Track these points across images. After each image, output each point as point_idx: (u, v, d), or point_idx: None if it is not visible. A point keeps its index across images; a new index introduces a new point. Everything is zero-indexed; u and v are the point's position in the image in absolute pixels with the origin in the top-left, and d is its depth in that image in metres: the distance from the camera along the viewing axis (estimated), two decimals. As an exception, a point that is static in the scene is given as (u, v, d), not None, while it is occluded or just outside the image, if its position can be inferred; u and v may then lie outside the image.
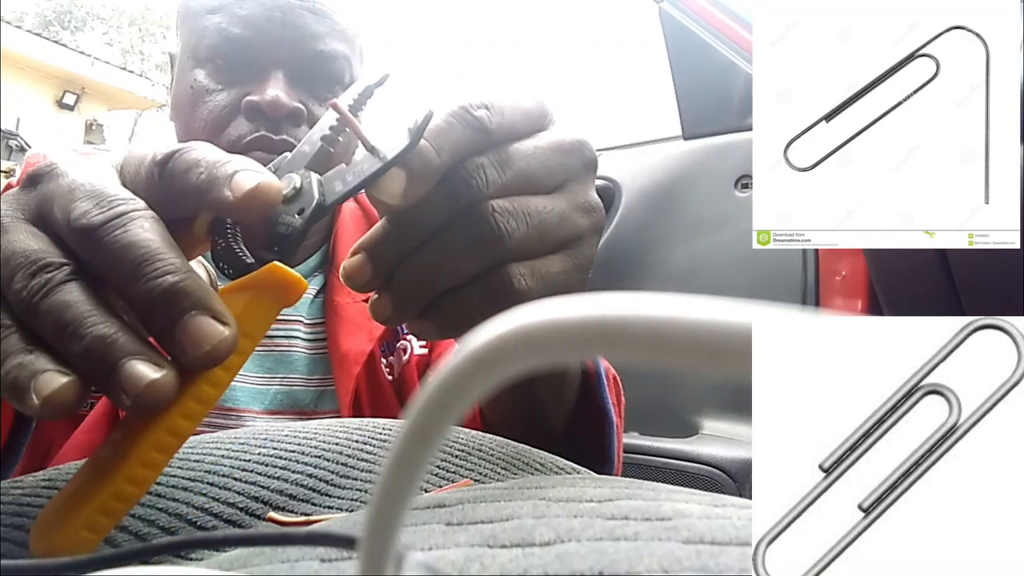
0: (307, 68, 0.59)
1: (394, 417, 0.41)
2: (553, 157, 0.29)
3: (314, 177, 0.27)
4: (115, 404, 0.22)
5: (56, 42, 8.13)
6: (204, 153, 0.25)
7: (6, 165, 4.82)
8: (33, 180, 0.26)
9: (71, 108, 7.76)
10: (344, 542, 0.16)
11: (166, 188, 0.25)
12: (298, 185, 0.26)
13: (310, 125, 0.58)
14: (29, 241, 0.24)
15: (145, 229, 0.23)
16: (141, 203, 0.24)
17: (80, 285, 0.23)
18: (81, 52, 8.18)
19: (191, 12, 0.61)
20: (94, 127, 8.00)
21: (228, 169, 0.25)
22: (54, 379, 0.21)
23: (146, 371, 0.21)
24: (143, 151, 0.26)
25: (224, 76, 0.59)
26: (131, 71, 8.78)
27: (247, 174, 0.24)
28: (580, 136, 0.30)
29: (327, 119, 0.29)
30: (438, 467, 0.31)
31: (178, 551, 0.18)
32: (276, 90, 0.57)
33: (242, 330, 0.22)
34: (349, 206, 0.72)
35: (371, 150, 0.26)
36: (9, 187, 0.65)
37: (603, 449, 0.43)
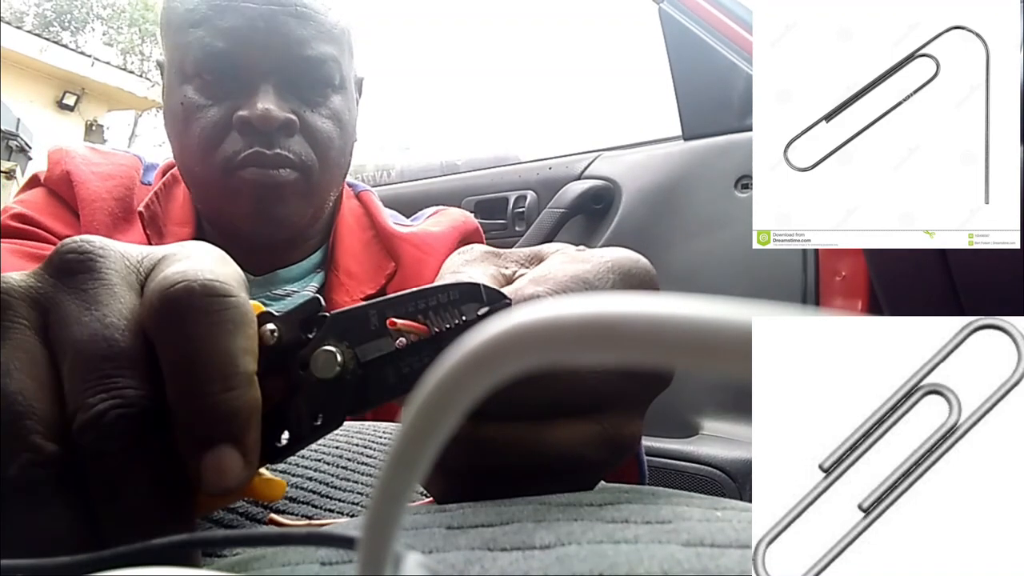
0: (296, 75, 0.59)
1: (396, 417, 0.41)
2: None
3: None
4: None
5: (56, 42, 8.13)
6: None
7: (6, 165, 4.81)
8: (64, 268, 0.20)
9: (71, 108, 7.76)
10: (343, 542, 0.16)
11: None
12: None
13: (303, 133, 0.59)
14: (25, 386, 0.18)
15: (141, 466, 0.19)
16: (146, 408, 0.19)
17: (62, 500, 0.18)
18: (81, 52, 8.19)
19: (172, 27, 0.60)
20: (94, 127, 8.00)
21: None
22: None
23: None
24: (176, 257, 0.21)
25: (213, 91, 0.58)
26: (131, 71, 8.77)
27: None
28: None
29: None
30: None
31: (178, 551, 0.18)
32: (266, 103, 0.56)
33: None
34: (351, 204, 0.72)
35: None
36: (35, 179, 0.65)
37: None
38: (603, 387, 0.22)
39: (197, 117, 0.58)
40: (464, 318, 0.21)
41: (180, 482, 0.19)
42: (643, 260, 0.25)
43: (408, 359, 0.21)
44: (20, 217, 0.61)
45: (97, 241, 0.21)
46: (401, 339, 0.21)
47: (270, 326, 0.21)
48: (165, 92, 0.63)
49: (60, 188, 0.63)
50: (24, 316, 0.19)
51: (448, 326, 0.21)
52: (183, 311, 0.19)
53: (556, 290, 0.22)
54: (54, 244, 0.60)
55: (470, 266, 0.25)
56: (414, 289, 0.21)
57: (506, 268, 0.26)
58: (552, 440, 0.22)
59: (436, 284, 0.22)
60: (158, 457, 0.19)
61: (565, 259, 0.24)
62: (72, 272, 0.20)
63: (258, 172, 0.57)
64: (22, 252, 0.58)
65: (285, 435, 0.21)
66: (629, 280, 0.23)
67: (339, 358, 0.21)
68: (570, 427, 0.22)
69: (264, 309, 0.21)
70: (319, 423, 0.21)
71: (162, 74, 0.64)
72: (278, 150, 0.57)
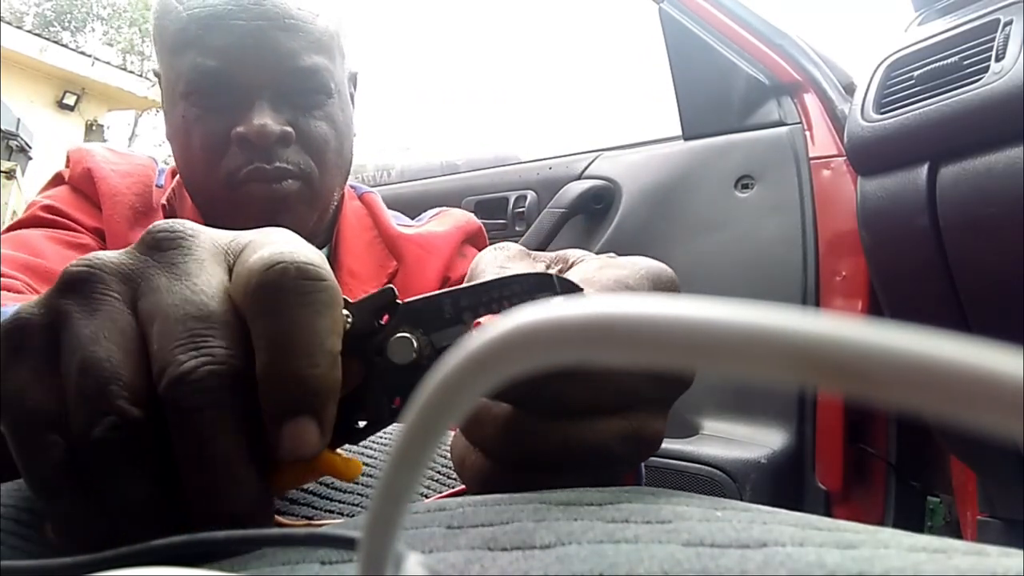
0: (288, 88, 0.60)
1: None
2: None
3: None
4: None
5: (56, 42, 8.13)
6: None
7: (6, 165, 4.81)
8: (153, 247, 0.21)
9: (71, 108, 7.76)
10: (344, 543, 0.16)
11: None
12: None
13: (300, 143, 0.60)
14: (111, 365, 0.19)
15: (226, 436, 0.19)
16: (238, 374, 0.20)
17: (144, 466, 0.19)
18: (81, 52, 8.18)
19: (166, 46, 0.62)
20: (94, 127, 8.00)
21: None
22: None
23: None
24: (264, 243, 0.22)
25: (209, 106, 0.59)
26: (131, 71, 8.77)
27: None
28: None
29: None
30: (439, 470, 0.31)
31: (178, 551, 0.18)
32: (262, 118, 0.58)
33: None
34: (353, 205, 0.72)
35: None
36: (59, 177, 0.67)
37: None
38: (633, 387, 0.23)
39: (197, 132, 0.60)
40: None
41: (262, 451, 0.20)
42: (669, 270, 0.26)
43: None
44: (49, 209, 0.63)
45: (188, 224, 0.22)
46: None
47: (344, 312, 0.22)
48: (165, 104, 0.65)
49: (82, 184, 0.65)
50: (115, 289, 0.20)
51: None
52: (278, 290, 0.20)
53: (603, 292, 0.23)
54: (85, 233, 0.62)
55: (512, 262, 0.26)
56: (490, 279, 0.22)
57: (538, 267, 0.27)
58: (586, 433, 0.23)
59: (511, 274, 0.22)
60: (244, 421, 0.19)
61: (602, 264, 0.25)
62: (163, 248, 0.21)
63: (261, 187, 0.59)
64: (59, 239, 0.61)
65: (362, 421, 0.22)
66: (660, 286, 0.25)
67: (415, 344, 0.22)
68: (603, 423, 0.23)
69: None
70: (396, 406, 0.22)
71: (159, 82, 0.66)
72: (278, 163, 0.59)
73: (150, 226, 0.22)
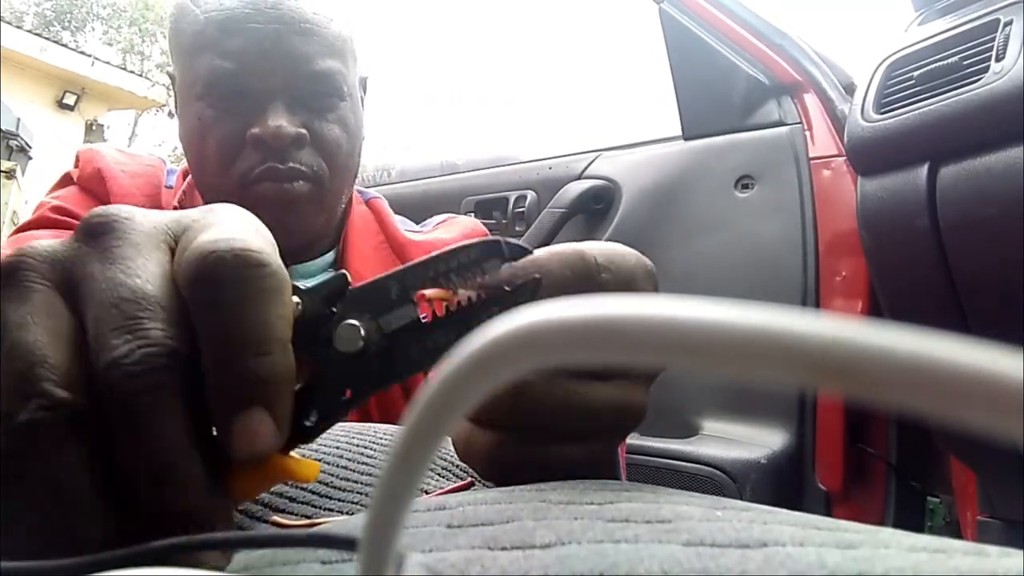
0: (303, 91, 0.61)
1: (401, 417, 0.41)
2: None
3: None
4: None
5: (56, 42, 8.12)
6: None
7: (6, 165, 4.81)
8: (87, 233, 0.21)
9: (71, 108, 7.75)
10: (344, 543, 0.16)
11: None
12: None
13: (313, 145, 0.61)
14: (40, 348, 0.18)
15: (167, 425, 0.18)
16: (176, 360, 0.19)
17: (75, 452, 0.18)
18: (81, 52, 8.18)
19: (183, 48, 0.62)
20: (94, 127, 7.99)
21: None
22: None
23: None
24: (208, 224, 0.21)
25: (225, 107, 0.60)
26: (131, 71, 8.76)
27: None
28: None
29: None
30: (440, 469, 0.31)
31: (179, 552, 0.18)
32: (277, 120, 0.58)
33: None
34: (360, 210, 0.73)
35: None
36: (68, 178, 0.67)
37: None
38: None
39: (212, 135, 0.60)
40: (487, 278, 0.21)
41: (213, 454, 0.19)
42: (646, 260, 0.28)
43: (432, 334, 0.21)
44: (58, 210, 0.63)
45: (123, 208, 0.21)
46: (424, 315, 0.21)
47: (294, 299, 0.21)
48: (179, 106, 0.65)
49: (92, 184, 0.65)
50: (46, 276, 0.20)
51: (471, 296, 0.21)
52: (216, 281, 0.19)
53: (554, 255, 0.25)
54: None
55: None
56: (433, 254, 0.21)
57: None
58: (583, 396, 0.25)
59: (457, 245, 0.21)
60: (188, 413, 0.18)
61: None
62: (96, 235, 0.21)
63: (273, 187, 0.59)
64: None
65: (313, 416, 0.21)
66: (622, 263, 0.27)
67: (362, 331, 0.21)
68: (596, 387, 0.25)
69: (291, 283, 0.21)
70: (346, 398, 0.21)
71: (173, 84, 0.66)
72: (291, 164, 0.59)
73: (85, 214, 0.21)
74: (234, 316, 0.19)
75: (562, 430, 0.26)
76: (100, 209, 0.21)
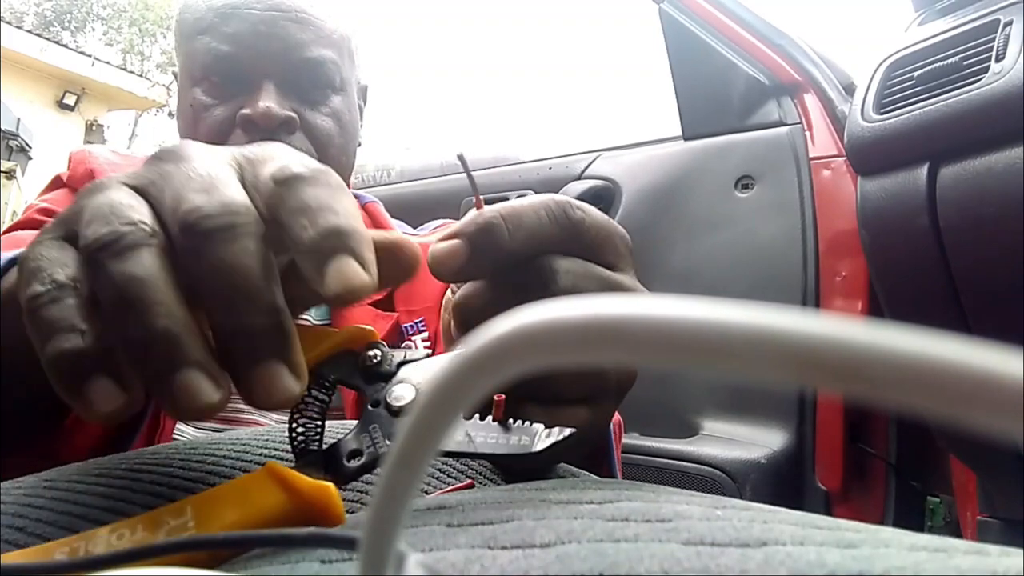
0: (296, 76, 0.61)
1: None
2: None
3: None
4: (157, 405, 0.21)
5: (56, 42, 8.12)
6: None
7: (6, 165, 4.81)
8: (157, 157, 0.23)
9: (71, 108, 7.75)
10: (344, 543, 0.16)
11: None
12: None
13: (303, 131, 0.61)
14: (125, 199, 0.21)
15: (249, 253, 0.20)
16: (253, 215, 0.21)
17: (161, 260, 0.20)
18: (81, 52, 8.18)
19: (184, 35, 0.64)
20: (94, 127, 7.99)
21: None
22: (108, 394, 0.19)
23: (206, 388, 0.19)
24: (273, 152, 0.24)
25: (218, 92, 0.61)
26: (131, 71, 8.77)
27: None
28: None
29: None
30: (439, 469, 0.31)
31: (178, 551, 0.18)
32: (268, 101, 0.59)
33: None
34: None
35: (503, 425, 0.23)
36: (58, 180, 0.68)
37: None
38: None
39: (204, 117, 0.61)
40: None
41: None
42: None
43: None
44: (45, 212, 0.63)
45: (189, 141, 0.24)
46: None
47: (373, 352, 0.25)
48: (179, 96, 0.66)
49: (82, 185, 0.65)
50: (126, 183, 0.22)
51: None
52: (309, 180, 0.22)
53: (526, 200, 0.26)
54: None
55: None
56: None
57: None
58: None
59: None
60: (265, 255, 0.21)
61: None
62: (165, 158, 0.23)
63: None
64: None
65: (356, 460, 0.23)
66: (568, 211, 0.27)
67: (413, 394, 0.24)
68: None
69: (378, 338, 0.26)
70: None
71: (177, 79, 0.68)
72: None
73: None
74: (324, 201, 0.21)
75: (575, 394, 0.27)
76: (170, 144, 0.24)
